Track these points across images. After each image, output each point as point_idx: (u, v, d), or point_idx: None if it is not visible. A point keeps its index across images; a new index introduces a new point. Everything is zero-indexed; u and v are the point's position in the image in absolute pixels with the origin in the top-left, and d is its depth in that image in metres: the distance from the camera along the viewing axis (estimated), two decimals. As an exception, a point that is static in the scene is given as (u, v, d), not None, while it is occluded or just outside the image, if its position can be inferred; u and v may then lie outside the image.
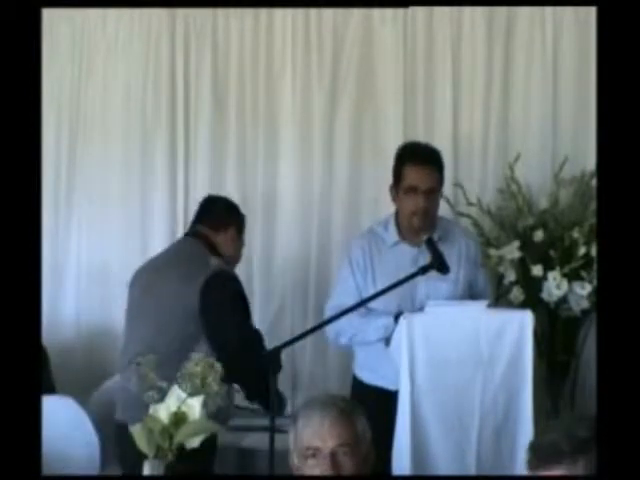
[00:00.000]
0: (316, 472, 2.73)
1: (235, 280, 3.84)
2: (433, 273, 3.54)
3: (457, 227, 4.07)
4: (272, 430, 3.09)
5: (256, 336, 3.80)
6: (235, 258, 4.04)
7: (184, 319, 3.72)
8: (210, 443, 3.32)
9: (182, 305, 3.73)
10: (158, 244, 4.93)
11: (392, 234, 3.85)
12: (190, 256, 3.90)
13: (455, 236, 3.89)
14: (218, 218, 3.99)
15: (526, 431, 3.41)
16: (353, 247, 3.90)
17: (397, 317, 3.58)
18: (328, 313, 3.76)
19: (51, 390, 4.28)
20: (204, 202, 4.09)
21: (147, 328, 3.81)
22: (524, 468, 3.34)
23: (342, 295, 3.79)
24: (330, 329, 3.79)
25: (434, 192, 3.78)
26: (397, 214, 3.87)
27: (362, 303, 3.53)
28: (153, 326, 3.78)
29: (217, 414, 2.88)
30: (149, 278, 3.93)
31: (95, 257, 4.99)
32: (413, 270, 3.51)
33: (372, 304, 3.64)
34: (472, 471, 3.40)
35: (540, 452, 2.27)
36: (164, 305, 3.78)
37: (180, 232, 4.92)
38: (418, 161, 3.78)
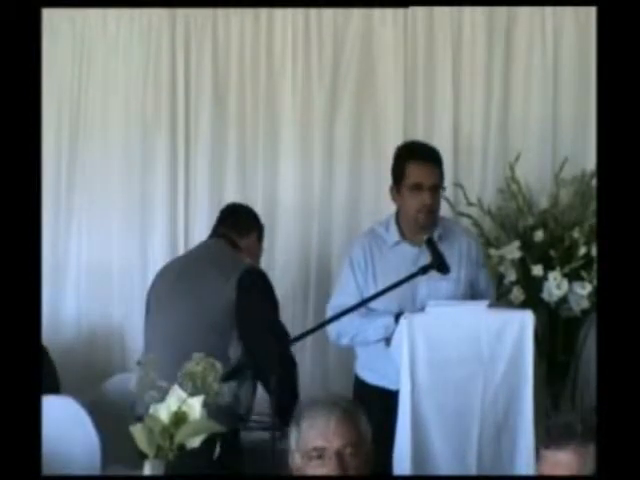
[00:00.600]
0: (321, 472, 2.73)
1: (266, 278, 3.91)
2: (434, 273, 3.54)
3: (457, 226, 4.07)
4: (273, 429, 3.10)
5: (284, 334, 3.83)
6: (256, 264, 4.09)
7: (221, 315, 3.75)
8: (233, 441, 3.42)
9: (220, 301, 3.76)
10: (158, 244, 4.95)
11: (393, 234, 3.85)
12: (222, 254, 3.96)
13: (456, 235, 3.89)
14: (241, 223, 4.06)
15: (527, 431, 3.41)
16: (354, 247, 3.90)
17: (398, 317, 3.58)
18: (329, 313, 3.75)
19: (56, 388, 4.28)
20: (227, 208, 4.17)
21: (181, 326, 3.80)
22: (525, 467, 3.38)
23: (343, 295, 3.79)
24: (331, 330, 3.80)
25: (437, 188, 3.80)
26: (397, 214, 3.87)
27: (363, 303, 3.53)
28: (188, 323, 3.79)
29: (240, 410, 2.92)
30: (179, 277, 3.95)
31: (95, 257, 4.98)
32: (414, 270, 3.51)
33: (373, 304, 3.63)
34: (473, 471, 3.40)
35: (553, 431, 2.31)
36: (201, 302, 3.80)
37: (180, 232, 4.95)
38: (421, 158, 3.79)
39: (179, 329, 3.79)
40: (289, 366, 3.70)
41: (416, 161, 3.79)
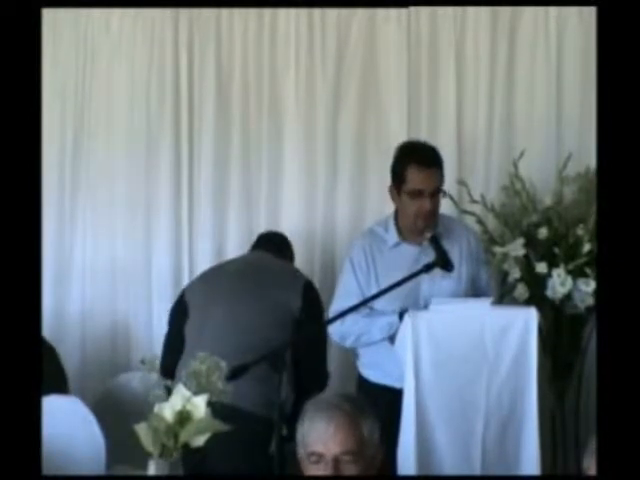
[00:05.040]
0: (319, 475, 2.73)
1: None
2: (435, 270, 3.53)
3: (457, 223, 4.05)
4: (278, 429, 3.10)
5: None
6: None
7: (284, 315, 3.88)
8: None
9: (285, 303, 3.90)
10: (162, 244, 4.95)
11: (392, 235, 3.83)
12: (280, 263, 4.16)
13: (456, 232, 3.87)
14: (277, 247, 4.27)
15: (531, 428, 3.42)
16: (355, 248, 3.88)
17: (401, 315, 3.58)
18: (332, 316, 3.74)
19: (64, 389, 4.28)
20: (265, 235, 4.40)
21: (245, 322, 3.90)
22: (529, 464, 3.39)
23: (345, 297, 3.77)
24: (335, 332, 3.80)
25: (438, 192, 3.75)
26: (396, 214, 3.84)
27: (365, 302, 3.53)
28: (254, 320, 3.89)
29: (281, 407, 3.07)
30: (241, 278, 4.06)
31: (100, 257, 4.99)
32: (416, 269, 3.51)
33: (376, 305, 3.64)
34: (477, 468, 3.41)
35: None
36: (267, 301, 3.92)
37: (184, 232, 4.95)
38: (422, 163, 3.72)
39: (243, 325, 3.89)
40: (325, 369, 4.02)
41: (417, 166, 3.71)
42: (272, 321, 3.87)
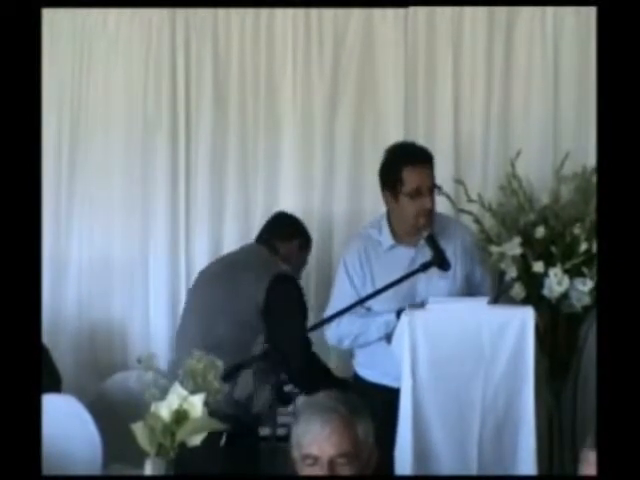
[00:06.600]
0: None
1: (297, 284, 4.08)
2: (431, 270, 3.54)
3: (451, 221, 4.06)
4: (274, 427, 3.11)
5: (306, 341, 3.97)
6: (295, 271, 4.24)
7: (250, 315, 3.92)
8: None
9: (250, 302, 3.94)
10: (159, 241, 4.95)
11: (387, 237, 3.82)
12: (260, 259, 4.15)
13: (450, 231, 3.88)
14: (283, 229, 4.27)
15: (528, 427, 3.42)
16: (349, 251, 3.88)
17: (398, 313, 3.58)
18: (326, 318, 3.74)
19: (57, 388, 4.28)
20: (274, 215, 4.39)
21: (212, 321, 3.97)
22: (526, 463, 3.38)
23: (341, 300, 3.76)
24: (332, 335, 3.80)
25: (434, 189, 3.77)
26: (388, 216, 3.83)
27: (360, 302, 3.53)
28: (219, 319, 3.95)
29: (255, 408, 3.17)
30: (216, 277, 4.14)
31: (96, 255, 4.99)
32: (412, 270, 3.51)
33: (373, 306, 3.64)
34: (474, 467, 3.41)
35: None
36: (233, 302, 3.97)
37: (182, 229, 4.96)
38: (416, 162, 3.74)
39: (209, 324, 3.95)
40: (311, 361, 4.03)
41: (413, 166, 3.73)
42: (236, 317, 3.93)
